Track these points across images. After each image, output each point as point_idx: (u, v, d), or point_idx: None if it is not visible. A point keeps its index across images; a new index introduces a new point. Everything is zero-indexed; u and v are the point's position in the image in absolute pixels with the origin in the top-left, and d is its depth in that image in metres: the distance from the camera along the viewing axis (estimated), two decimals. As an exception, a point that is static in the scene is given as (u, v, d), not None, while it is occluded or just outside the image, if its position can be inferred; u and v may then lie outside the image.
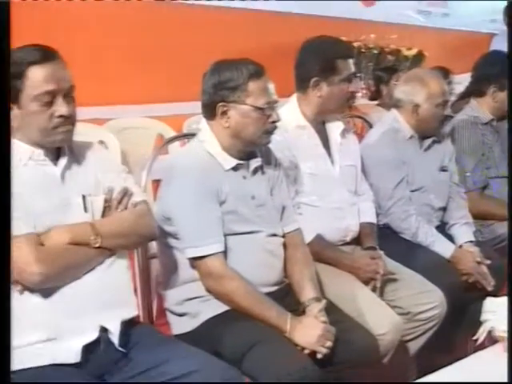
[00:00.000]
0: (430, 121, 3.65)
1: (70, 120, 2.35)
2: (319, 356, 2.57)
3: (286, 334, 2.61)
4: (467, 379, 2.13)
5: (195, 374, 2.28)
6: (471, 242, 3.71)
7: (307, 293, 2.79)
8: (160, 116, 5.27)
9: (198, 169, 2.72)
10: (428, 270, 3.35)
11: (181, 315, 2.76)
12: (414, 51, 7.22)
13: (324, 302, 2.75)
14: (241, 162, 2.78)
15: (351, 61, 3.28)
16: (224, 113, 2.73)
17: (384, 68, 6.61)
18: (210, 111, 2.77)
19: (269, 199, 2.86)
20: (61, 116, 2.31)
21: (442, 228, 3.73)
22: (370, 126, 4.21)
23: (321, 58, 3.23)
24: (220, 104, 2.72)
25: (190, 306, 2.74)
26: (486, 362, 2.29)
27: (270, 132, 2.78)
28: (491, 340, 2.50)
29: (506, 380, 2.05)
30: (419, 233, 3.55)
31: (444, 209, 3.76)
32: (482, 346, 2.53)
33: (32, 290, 2.26)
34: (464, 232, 3.75)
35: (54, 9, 5.00)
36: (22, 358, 2.23)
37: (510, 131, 3.57)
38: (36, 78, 2.27)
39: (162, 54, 5.77)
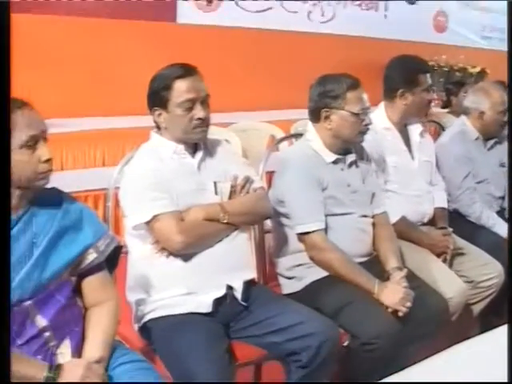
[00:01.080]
0: (492, 125, 3.54)
1: (205, 122, 2.38)
2: (400, 314, 2.51)
3: (374, 295, 2.55)
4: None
5: (300, 325, 2.28)
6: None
7: (391, 263, 2.73)
8: (271, 120, 5.23)
9: (306, 162, 2.70)
10: (489, 246, 3.24)
11: (289, 278, 2.73)
12: (477, 69, 7.04)
13: (405, 270, 2.68)
14: (339, 156, 2.74)
15: (429, 75, 3.18)
16: (327, 117, 2.69)
17: (453, 82, 6.43)
18: (315, 116, 2.74)
19: (361, 187, 2.80)
20: (199, 118, 2.34)
21: (501, 213, 3.59)
22: (443, 129, 4.07)
23: (406, 73, 3.15)
24: (324, 110, 2.67)
25: (297, 271, 2.71)
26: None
27: (363, 133, 2.73)
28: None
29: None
30: (482, 216, 3.45)
31: (502, 197, 3.61)
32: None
33: (175, 255, 2.30)
34: (519, 216, 3.60)
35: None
36: (166, 307, 2.28)
37: (510, 131, 3.42)
38: (180, 89, 2.31)
39: (273, 68, 5.73)
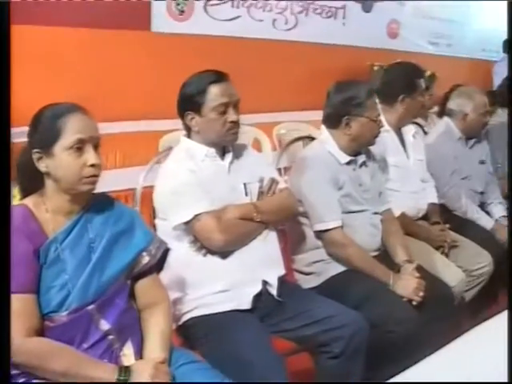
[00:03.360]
0: (475, 126, 3.65)
1: (237, 124, 2.39)
2: (414, 303, 2.58)
3: (389, 286, 2.61)
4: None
5: (332, 317, 2.31)
6: (504, 216, 3.70)
7: (401, 256, 2.80)
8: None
9: (323, 163, 2.73)
10: (477, 238, 3.35)
11: (308, 274, 2.76)
12: (428, 73, 7.11)
13: (416, 262, 2.74)
14: (352, 158, 2.78)
15: (423, 80, 3.26)
16: (347, 124, 2.71)
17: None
18: (334, 122, 2.76)
19: (371, 185, 2.85)
20: (232, 122, 2.35)
21: (482, 207, 3.71)
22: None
23: (406, 79, 3.22)
24: (345, 117, 2.70)
25: (316, 267, 2.74)
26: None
27: (377, 136, 2.78)
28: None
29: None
30: (468, 210, 3.56)
31: (482, 192, 3.72)
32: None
33: (213, 253, 2.30)
34: (498, 209, 3.75)
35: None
36: (207, 305, 2.28)
37: (509, 131, 3.55)
38: (215, 93, 2.32)
39: (245, 74, 5.72)
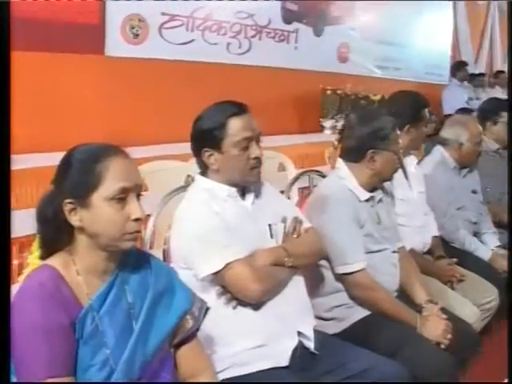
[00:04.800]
0: (470, 156, 3.60)
1: (260, 161, 2.19)
2: (442, 346, 2.45)
3: (417, 329, 2.47)
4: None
5: (371, 370, 2.15)
6: (499, 246, 3.66)
7: (422, 296, 2.68)
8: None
9: (344, 201, 2.56)
10: (480, 270, 3.30)
11: (328, 319, 2.58)
12: (378, 96, 7.18)
13: (439, 304, 2.62)
14: (372, 194, 2.63)
15: (427, 109, 3.16)
16: (372, 158, 2.56)
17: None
18: (358, 155, 2.60)
19: (388, 222, 2.72)
20: (256, 158, 2.15)
21: (475, 237, 3.64)
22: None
23: (413, 109, 3.11)
24: (371, 151, 2.55)
25: (337, 312, 2.57)
26: None
27: (397, 171, 2.64)
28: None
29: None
30: (466, 242, 3.50)
31: (475, 223, 3.65)
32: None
33: (244, 305, 2.09)
34: (493, 239, 3.69)
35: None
36: (241, 364, 2.07)
37: (509, 132, 3.53)
38: (236, 127, 2.11)
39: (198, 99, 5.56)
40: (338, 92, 6.94)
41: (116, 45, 5.26)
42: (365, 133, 2.57)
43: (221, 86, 5.86)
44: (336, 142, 5.27)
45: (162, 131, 5.08)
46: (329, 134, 6.90)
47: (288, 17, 6.75)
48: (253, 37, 6.42)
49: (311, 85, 6.90)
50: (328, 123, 6.99)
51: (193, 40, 5.86)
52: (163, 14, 5.45)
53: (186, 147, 4.61)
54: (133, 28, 5.34)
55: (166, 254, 2.49)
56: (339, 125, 6.59)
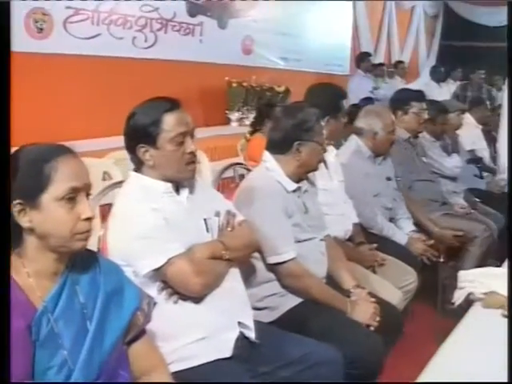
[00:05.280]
0: (384, 144, 3.71)
1: (195, 156, 2.22)
2: (372, 328, 2.56)
3: (347, 314, 2.57)
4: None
5: (309, 355, 2.23)
6: (413, 230, 3.81)
7: (348, 281, 2.78)
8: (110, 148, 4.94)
9: (273, 193, 2.62)
10: (398, 254, 3.43)
11: (261, 309, 2.63)
12: (282, 88, 7.30)
13: (366, 289, 2.73)
14: (299, 185, 2.71)
15: (345, 101, 3.27)
16: (297, 149, 2.63)
17: (265, 104, 6.57)
18: (284, 147, 2.66)
19: (315, 212, 2.80)
20: (191, 152, 2.17)
21: (391, 222, 3.78)
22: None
23: (332, 101, 3.20)
24: (297, 142, 2.62)
25: (270, 301, 2.63)
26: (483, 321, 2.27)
27: (322, 161, 2.73)
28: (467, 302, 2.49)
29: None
30: (384, 228, 3.62)
31: (390, 208, 3.80)
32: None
33: (185, 299, 2.12)
34: (407, 224, 3.84)
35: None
36: (184, 359, 2.10)
37: (509, 132, 3.66)
38: (171, 123, 2.13)
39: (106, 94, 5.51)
40: (244, 84, 7.02)
41: (19, 39, 5.09)
42: (290, 125, 2.64)
43: (127, 81, 5.85)
44: (248, 135, 5.34)
45: (73, 128, 4.96)
46: (235, 126, 6.96)
47: (193, 10, 6.75)
48: (158, 30, 6.39)
49: (217, 78, 6.95)
50: (234, 115, 7.06)
51: (98, 34, 5.77)
52: (68, 7, 5.33)
53: (99, 143, 4.57)
54: (37, 22, 5.20)
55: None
56: (250, 117, 6.66)
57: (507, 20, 5.65)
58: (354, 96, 6.97)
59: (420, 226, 3.96)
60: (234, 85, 7.02)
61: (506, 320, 2.16)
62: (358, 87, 8.14)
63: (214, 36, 7.03)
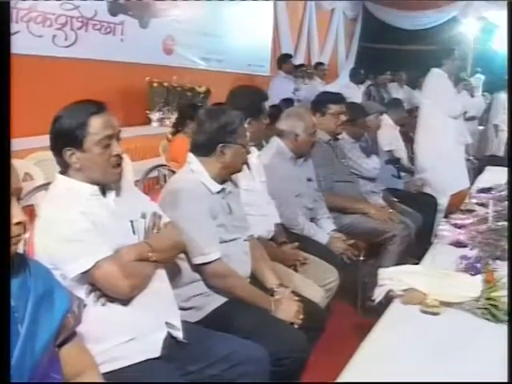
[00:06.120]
0: (305, 146, 3.82)
1: (121, 158, 2.27)
2: (296, 326, 2.67)
3: (271, 312, 2.67)
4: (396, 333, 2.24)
5: (235, 353, 2.31)
6: (334, 230, 3.93)
7: (272, 280, 2.87)
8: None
9: (197, 195, 2.68)
10: (319, 253, 3.55)
11: (187, 309, 2.68)
12: (203, 88, 7.33)
13: (289, 287, 2.82)
14: (223, 186, 2.77)
15: (266, 103, 3.35)
16: (221, 151, 2.69)
17: (188, 104, 6.61)
18: (207, 149, 2.73)
19: (239, 212, 2.87)
20: (117, 155, 2.22)
21: (312, 222, 3.89)
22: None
23: (254, 103, 3.28)
24: (220, 145, 2.68)
25: (196, 301, 2.69)
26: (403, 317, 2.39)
27: (246, 162, 2.80)
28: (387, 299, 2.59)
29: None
30: (305, 227, 3.72)
31: (311, 209, 3.90)
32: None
33: (113, 301, 2.17)
34: (328, 224, 3.97)
35: None
36: (112, 360, 2.14)
37: (509, 130, 3.74)
38: (98, 126, 2.17)
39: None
40: (165, 84, 7.02)
41: None
42: (214, 128, 2.71)
43: (47, 80, 5.75)
44: (170, 135, 5.37)
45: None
46: (156, 126, 6.97)
47: (114, 9, 6.70)
48: (79, 29, 6.32)
49: (138, 77, 6.92)
50: (155, 115, 7.05)
51: (17, 32, 5.65)
52: (-16, 3, 5.20)
53: (20, 143, 4.47)
54: (-52, 18, 5.07)
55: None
56: (171, 117, 6.67)
57: (507, 20, 5.75)
58: (275, 97, 7.08)
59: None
60: (155, 85, 7.01)
61: (425, 316, 2.31)
62: (280, 88, 8.25)
63: (136, 35, 6.99)
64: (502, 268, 2.75)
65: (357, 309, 4.20)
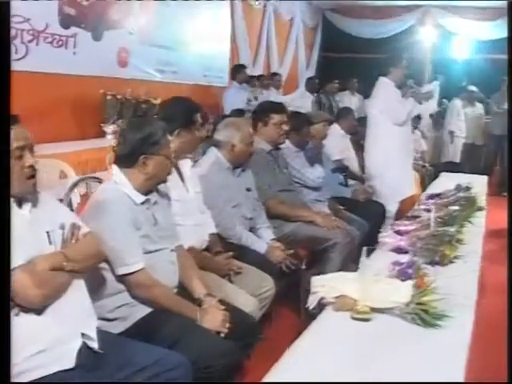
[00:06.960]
0: (242, 156, 3.87)
1: (35, 169, 2.28)
2: (222, 335, 2.70)
3: (197, 322, 2.69)
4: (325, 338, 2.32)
5: (155, 363, 2.33)
6: (273, 239, 3.96)
7: (199, 290, 2.90)
8: None
9: (120, 206, 2.70)
10: (256, 262, 3.59)
11: (112, 320, 2.71)
12: (158, 100, 7.30)
13: (218, 296, 2.84)
14: (147, 197, 2.79)
15: (199, 114, 3.37)
16: (144, 163, 2.72)
17: (138, 116, 6.62)
18: (129, 161, 2.75)
19: (165, 223, 2.89)
20: (30, 166, 2.23)
21: (251, 232, 3.93)
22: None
23: (184, 114, 3.31)
24: (143, 156, 2.71)
25: (120, 312, 2.71)
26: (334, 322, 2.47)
27: (170, 173, 2.82)
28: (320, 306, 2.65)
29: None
30: (242, 237, 3.75)
31: (251, 218, 3.94)
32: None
33: (26, 311, 2.16)
34: (268, 233, 4.00)
35: None
36: (26, 371, 2.13)
37: (509, 132, 3.72)
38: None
39: None
40: (118, 97, 7.00)
41: None
42: (136, 139, 2.73)
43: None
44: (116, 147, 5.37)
45: None
46: (111, 138, 6.94)
47: (65, 21, 6.65)
48: (30, 42, 6.27)
49: (92, 90, 6.88)
50: (109, 128, 7.01)
51: (-37, 45, 5.62)
52: None
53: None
54: None
55: None
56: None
57: (507, 20, 5.76)
58: (230, 107, 7.13)
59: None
60: (109, 97, 6.98)
61: (354, 322, 2.39)
62: (234, 99, 8.28)
63: (89, 48, 6.94)
64: (441, 273, 2.85)
65: (299, 316, 4.22)
